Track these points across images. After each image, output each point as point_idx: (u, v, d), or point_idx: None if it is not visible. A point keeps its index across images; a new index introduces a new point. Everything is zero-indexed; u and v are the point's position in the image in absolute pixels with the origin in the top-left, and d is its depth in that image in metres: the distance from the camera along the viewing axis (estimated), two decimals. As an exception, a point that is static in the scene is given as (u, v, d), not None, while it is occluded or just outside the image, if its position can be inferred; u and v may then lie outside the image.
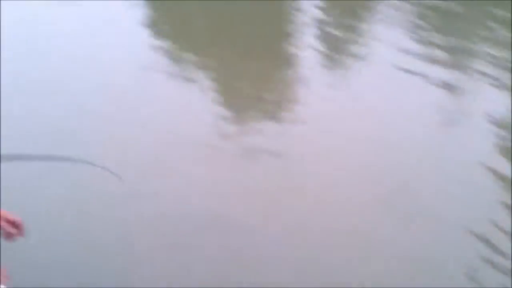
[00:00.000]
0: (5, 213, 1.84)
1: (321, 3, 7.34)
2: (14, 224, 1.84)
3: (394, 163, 4.03)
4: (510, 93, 4.95)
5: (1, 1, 6.52)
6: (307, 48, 6.01)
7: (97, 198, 3.61)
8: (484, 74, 5.31)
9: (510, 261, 3.13)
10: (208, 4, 7.20)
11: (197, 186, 3.80)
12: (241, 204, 3.65)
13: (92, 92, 4.95)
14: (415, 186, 3.81)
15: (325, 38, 6.39)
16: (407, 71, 5.29)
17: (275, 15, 7.17)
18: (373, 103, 4.82)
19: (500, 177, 3.85)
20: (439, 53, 5.76)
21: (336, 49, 6.09)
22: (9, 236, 1.84)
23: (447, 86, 5.14)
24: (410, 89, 5.05)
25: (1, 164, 1.88)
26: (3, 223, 1.82)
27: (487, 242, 3.27)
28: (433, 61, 5.57)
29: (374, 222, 3.48)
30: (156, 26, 6.74)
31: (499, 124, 4.51)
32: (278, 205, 3.62)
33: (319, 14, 6.99)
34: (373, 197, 3.68)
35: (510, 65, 5.39)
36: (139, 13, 6.92)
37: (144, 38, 6.23)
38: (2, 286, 1.65)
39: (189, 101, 4.94)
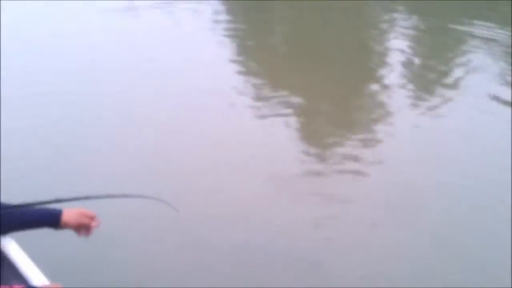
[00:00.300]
0: (82, 209, 2.05)
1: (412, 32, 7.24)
2: (92, 218, 2.06)
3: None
4: None
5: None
6: (396, 85, 5.87)
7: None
8: None
9: None
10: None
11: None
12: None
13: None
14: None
15: (416, 73, 6.29)
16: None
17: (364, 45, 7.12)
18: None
19: None
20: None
21: (427, 88, 5.90)
22: (88, 229, 2.06)
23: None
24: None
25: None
26: (85, 219, 2.04)
27: None
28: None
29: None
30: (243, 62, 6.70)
31: None
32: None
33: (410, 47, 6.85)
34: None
35: None
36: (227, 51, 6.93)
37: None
38: None
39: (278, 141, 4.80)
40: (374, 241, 3.57)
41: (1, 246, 2.06)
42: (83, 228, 2.06)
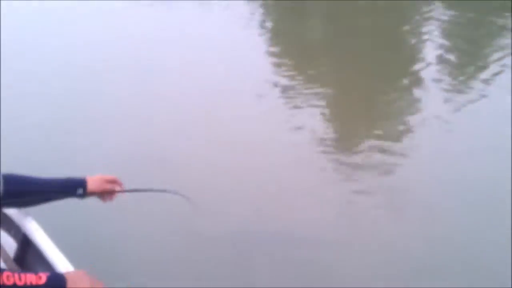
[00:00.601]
0: (103, 175, 2.10)
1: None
2: (114, 182, 2.12)
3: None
4: None
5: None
6: (430, 79, 5.74)
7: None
8: None
9: None
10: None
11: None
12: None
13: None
14: None
15: (451, 67, 6.13)
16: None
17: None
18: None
19: None
20: None
21: (462, 83, 5.75)
22: (112, 195, 2.12)
23: None
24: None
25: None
26: (108, 185, 2.09)
27: None
28: None
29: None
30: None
31: None
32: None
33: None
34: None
35: None
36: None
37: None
38: None
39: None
40: (400, 240, 3.51)
41: (27, 231, 2.10)
42: (107, 194, 2.11)
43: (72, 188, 2.06)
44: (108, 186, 2.11)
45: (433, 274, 3.21)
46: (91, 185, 2.07)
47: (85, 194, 2.07)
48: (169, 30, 7.06)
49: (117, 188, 2.13)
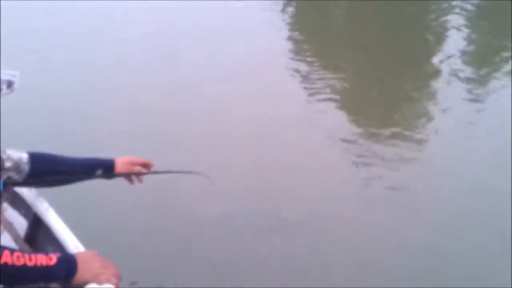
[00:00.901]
0: (132, 157, 2.09)
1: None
2: (143, 164, 2.10)
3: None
4: None
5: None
6: (451, 71, 5.57)
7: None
8: None
9: None
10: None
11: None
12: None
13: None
14: None
15: (473, 59, 5.99)
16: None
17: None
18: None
19: None
20: None
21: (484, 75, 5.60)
22: (139, 176, 2.09)
23: None
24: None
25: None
26: (136, 168, 2.08)
27: None
28: None
29: None
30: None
31: None
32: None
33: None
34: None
35: None
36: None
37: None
38: (112, 287, 1.63)
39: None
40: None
41: (38, 211, 2.05)
42: (134, 176, 2.08)
43: (99, 169, 2.02)
44: (136, 168, 2.07)
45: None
46: (119, 166, 2.04)
47: (113, 175, 2.04)
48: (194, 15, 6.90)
49: (145, 170, 2.10)
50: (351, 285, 3.00)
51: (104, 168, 2.02)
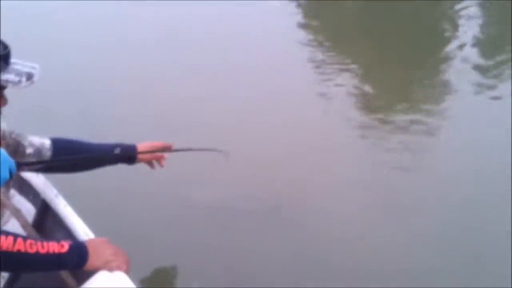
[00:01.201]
0: (153, 142, 2.14)
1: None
2: (164, 147, 2.17)
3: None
4: None
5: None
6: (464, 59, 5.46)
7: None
8: None
9: None
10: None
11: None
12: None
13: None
14: None
15: (487, 47, 5.83)
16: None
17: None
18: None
19: None
20: None
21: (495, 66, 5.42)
22: (161, 161, 2.17)
23: None
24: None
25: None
26: (158, 153, 2.14)
27: None
28: None
29: None
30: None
31: None
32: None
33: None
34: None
35: None
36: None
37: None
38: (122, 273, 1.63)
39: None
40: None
41: (46, 197, 2.06)
42: (156, 160, 2.15)
43: (122, 154, 2.03)
44: (158, 155, 2.13)
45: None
46: (141, 148, 2.09)
47: (135, 160, 2.06)
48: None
49: (165, 156, 2.16)
50: (357, 274, 2.94)
51: (123, 148, 2.05)
